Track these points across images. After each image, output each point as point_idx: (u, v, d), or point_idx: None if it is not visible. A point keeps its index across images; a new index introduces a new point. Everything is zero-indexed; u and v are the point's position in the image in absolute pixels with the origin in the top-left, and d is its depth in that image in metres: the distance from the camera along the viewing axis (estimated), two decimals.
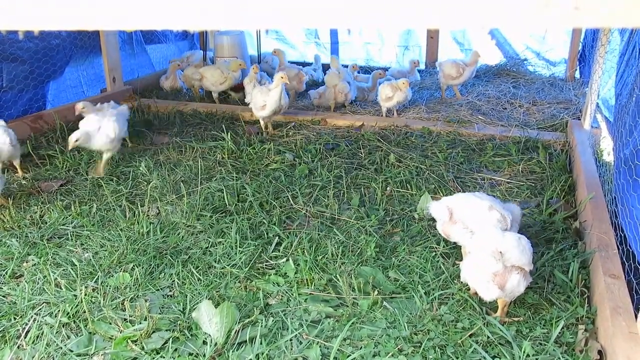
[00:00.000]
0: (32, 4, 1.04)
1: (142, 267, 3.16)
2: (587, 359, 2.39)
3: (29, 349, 2.54)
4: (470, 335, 2.54)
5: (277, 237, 3.47)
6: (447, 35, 8.64)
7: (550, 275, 2.99)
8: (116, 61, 6.73)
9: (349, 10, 0.97)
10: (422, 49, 8.71)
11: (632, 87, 3.61)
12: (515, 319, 2.68)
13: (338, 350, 2.46)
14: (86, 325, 2.70)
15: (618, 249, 3.02)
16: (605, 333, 2.44)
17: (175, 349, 2.52)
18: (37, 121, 5.50)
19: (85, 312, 2.77)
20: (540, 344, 2.51)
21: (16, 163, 4.50)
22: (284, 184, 4.24)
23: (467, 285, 2.86)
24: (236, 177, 4.35)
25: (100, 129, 4.42)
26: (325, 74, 7.63)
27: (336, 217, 3.76)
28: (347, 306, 2.81)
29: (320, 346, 2.49)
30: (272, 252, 3.33)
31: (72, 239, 3.51)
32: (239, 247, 3.35)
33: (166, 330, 2.64)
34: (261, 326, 2.62)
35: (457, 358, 2.41)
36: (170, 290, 3.01)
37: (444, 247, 3.31)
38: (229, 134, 5.08)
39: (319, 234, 3.51)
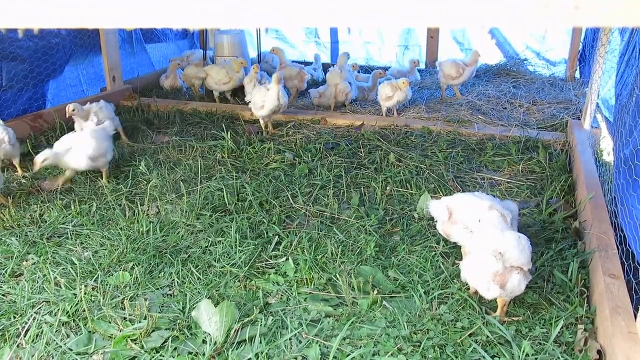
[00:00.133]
0: (32, 3, 1.04)
1: (142, 266, 3.16)
2: (587, 358, 2.39)
3: (29, 348, 2.55)
4: (470, 335, 2.54)
5: (276, 237, 3.47)
6: (447, 35, 8.64)
7: (550, 275, 2.99)
8: (116, 60, 6.73)
9: (349, 9, 0.97)
10: (422, 48, 8.71)
11: (632, 87, 3.61)
12: (515, 318, 2.68)
13: (337, 349, 2.46)
14: (86, 324, 2.70)
15: (618, 248, 3.02)
16: (604, 333, 2.44)
17: (175, 348, 2.52)
18: (36, 120, 5.50)
19: (84, 310, 2.77)
20: (540, 343, 2.51)
21: (15, 162, 4.50)
22: (284, 183, 4.24)
23: (466, 284, 2.86)
24: (236, 176, 4.35)
25: (71, 149, 4.14)
26: (325, 74, 7.66)
27: (336, 216, 3.76)
28: (347, 305, 2.81)
29: (319, 345, 2.49)
30: (272, 251, 3.33)
31: (71, 238, 3.51)
32: (239, 246, 3.35)
33: (166, 329, 2.64)
34: (261, 325, 2.62)
35: (457, 357, 2.42)
36: (170, 289, 3.01)
37: (443, 246, 3.31)
38: (228, 133, 5.08)
39: (318, 233, 3.51)
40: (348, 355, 2.42)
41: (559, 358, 2.41)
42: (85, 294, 2.90)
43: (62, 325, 2.71)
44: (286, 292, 2.95)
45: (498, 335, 2.54)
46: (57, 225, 3.66)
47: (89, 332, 2.65)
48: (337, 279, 3.00)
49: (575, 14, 0.91)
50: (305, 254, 3.23)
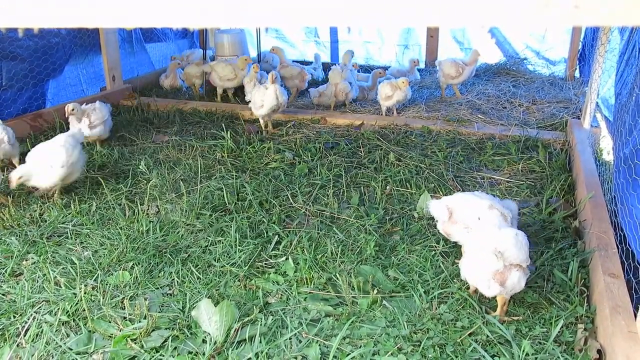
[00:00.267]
0: (32, 3, 1.04)
1: (142, 266, 3.16)
2: (587, 358, 2.39)
3: (29, 347, 2.54)
4: (470, 334, 2.54)
5: (276, 236, 3.47)
6: (447, 34, 8.64)
7: (550, 275, 2.99)
8: (116, 60, 6.73)
9: (349, 9, 0.97)
10: (422, 47, 8.72)
11: (632, 86, 3.61)
12: (515, 318, 2.68)
13: (337, 349, 2.46)
14: (86, 324, 2.70)
15: (617, 248, 3.02)
16: (604, 332, 2.44)
17: (175, 348, 2.52)
18: (36, 119, 5.50)
19: (84, 310, 2.77)
20: (540, 343, 2.51)
21: (15, 161, 4.50)
22: (284, 183, 4.24)
23: (466, 284, 2.86)
24: (236, 175, 4.35)
25: (39, 167, 3.86)
26: (325, 73, 7.67)
27: (336, 216, 3.76)
28: (347, 305, 2.81)
29: (319, 345, 2.49)
30: (272, 250, 3.33)
31: (71, 238, 3.51)
32: (239, 245, 3.35)
33: (166, 328, 2.64)
34: (261, 325, 2.62)
35: (457, 357, 2.42)
36: (170, 289, 3.01)
37: (443, 246, 3.32)
38: (228, 132, 5.08)
39: (318, 233, 3.51)
40: (348, 355, 2.42)
41: (559, 357, 2.41)
42: (85, 293, 2.90)
43: (62, 324, 2.71)
44: (286, 291, 2.95)
45: (498, 334, 2.54)
46: (57, 225, 3.66)
47: (89, 331, 2.65)
48: (337, 278, 3.00)
49: (575, 13, 0.91)
50: (305, 254, 3.23)
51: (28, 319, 2.73)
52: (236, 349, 2.50)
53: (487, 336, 2.53)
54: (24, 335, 2.64)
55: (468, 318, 2.66)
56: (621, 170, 3.30)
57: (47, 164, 3.86)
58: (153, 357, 2.47)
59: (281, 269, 3.14)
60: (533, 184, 4.23)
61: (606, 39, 4.82)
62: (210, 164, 4.65)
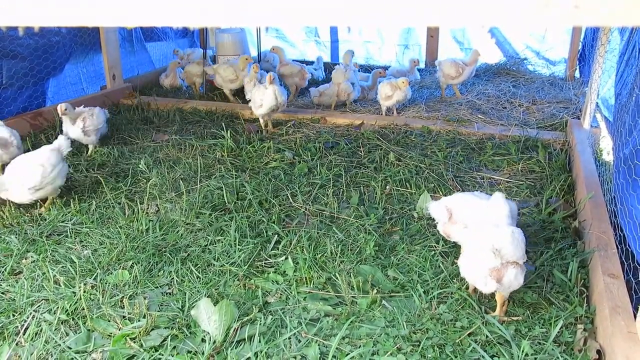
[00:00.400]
0: (32, 2, 1.04)
1: (141, 265, 3.16)
2: (586, 358, 2.40)
3: (28, 346, 2.55)
4: (469, 335, 2.55)
5: (276, 236, 3.47)
6: (447, 34, 8.64)
7: (550, 275, 2.99)
8: (116, 58, 6.73)
9: (349, 9, 0.96)
10: (422, 47, 8.71)
11: (632, 86, 3.61)
12: (514, 318, 2.68)
13: (337, 348, 2.46)
14: (85, 323, 2.70)
15: (617, 248, 3.02)
16: (604, 332, 2.44)
17: (174, 347, 2.52)
18: (36, 118, 5.50)
19: (84, 309, 2.77)
20: (539, 343, 2.51)
21: None
22: (284, 182, 4.24)
23: (466, 284, 2.86)
24: (236, 175, 4.35)
25: (11, 179, 3.68)
26: (326, 73, 7.68)
27: (335, 215, 3.76)
28: (346, 305, 2.81)
29: (319, 345, 2.49)
30: (271, 250, 3.33)
31: (71, 236, 3.51)
32: (238, 245, 3.35)
33: (165, 327, 2.64)
34: (260, 324, 2.62)
35: (456, 357, 2.42)
36: (169, 288, 3.01)
37: (443, 246, 3.32)
38: (228, 132, 5.08)
39: (318, 233, 3.51)
40: (347, 355, 2.42)
41: (558, 358, 2.41)
42: (84, 292, 2.90)
43: (61, 323, 2.71)
44: (285, 291, 2.95)
45: (497, 335, 2.54)
46: (57, 224, 3.66)
47: (88, 330, 2.65)
48: (337, 278, 3.00)
49: (575, 13, 0.91)
50: (304, 253, 3.23)
51: (27, 318, 2.74)
52: (235, 348, 2.50)
53: (487, 336, 2.53)
54: (23, 334, 2.64)
55: (467, 318, 2.66)
56: (621, 170, 3.30)
57: (20, 182, 3.66)
58: (152, 356, 2.47)
59: (281, 269, 3.14)
60: (533, 184, 4.23)
61: (606, 39, 4.82)
62: (210, 163, 4.65)
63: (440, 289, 2.91)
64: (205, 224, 3.63)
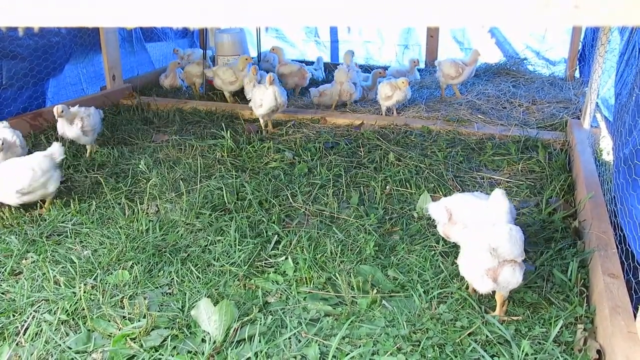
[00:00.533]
0: (32, 2, 1.04)
1: (141, 265, 3.16)
2: (586, 358, 2.40)
3: (28, 346, 2.55)
4: (469, 334, 2.55)
5: (276, 236, 3.47)
6: (447, 34, 8.64)
7: (550, 275, 2.99)
8: (116, 59, 6.73)
9: (349, 9, 0.97)
10: (422, 47, 8.71)
11: (632, 86, 3.61)
12: (514, 318, 2.68)
13: (337, 348, 2.46)
14: (85, 323, 2.70)
15: (617, 248, 3.02)
16: (604, 332, 2.44)
17: (174, 347, 2.52)
18: (36, 119, 5.50)
19: (84, 309, 2.77)
20: (539, 343, 2.51)
21: None
22: (284, 183, 4.24)
23: (466, 284, 2.86)
24: (235, 175, 4.35)
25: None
26: (326, 74, 7.68)
27: (335, 215, 3.76)
28: (346, 305, 2.81)
29: (319, 344, 2.49)
30: (271, 250, 3.33)
31: (71, 237, 3.51)
32: (238, 245, 3.35)
33: (165, 328, 2.64)
34: (260, 324, 2.62)
35: (456, 357, 2.42)
36: (169, 288, 3.01)
37: (443, 246, 3.32)
38: (228, 132, 5.08)
39: (318, 233, 3.51)
40: (347, 355, 2.42)
41: (558, 358, 2.41)
42: (84, 292, 2.90)
43: (62, 323, 2.71)
44: (285, 291, 2.95)
45: (497, 334, 2.54)
46: (57, 224, 3.66)
47: (88, 330, 2.65)
48: (337, 278, 3.00)
49: (575, 13, 0.91)
50: (304, 253, 3.23)
51: (27, 318, 2.74)
52: (235, 348, 2.50)
53: (487, 336, 2.53)
54: (23, 334, 2.64)
55: (467, 318, 2.66)
56: (621, 170, 3.30)
57: (8, 184, 3.65)
58: (152, 356, 2.47)
59: (281, 269, 3.14)
60: (533, 184, 4.23)
61: (606, 39, 4.82)
62: (210, 164, 4.65)
63: (440, 288, 2.91)
64: (205, 224, 3.63)
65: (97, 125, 4.92)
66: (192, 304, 2.80)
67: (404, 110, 6.08)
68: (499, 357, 2.42)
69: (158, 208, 3.91)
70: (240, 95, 6.63)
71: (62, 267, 3.17)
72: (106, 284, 3.01)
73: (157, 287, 3.00)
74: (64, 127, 4.71)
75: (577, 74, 7.38)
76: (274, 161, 4.68)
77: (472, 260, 2.62)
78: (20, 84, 5.59)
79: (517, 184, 4.24)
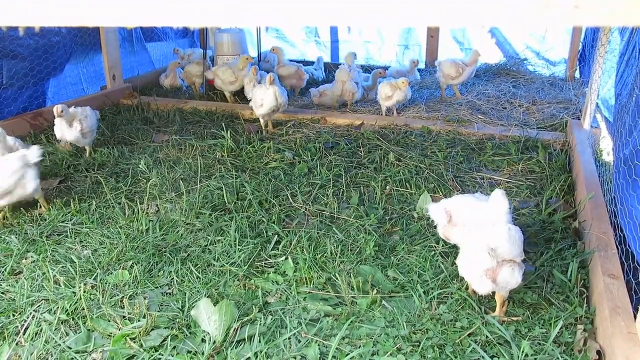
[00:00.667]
0: (33, 2, 1.04)
1: (141, 265, 3.16)
2: (586, 359, 2.39)
3: (28, 346, 2.55)
4: (469, 335, 2.54)
5: (276, 236, 3.47)
6: (447, 35, 8.64)
7: (549, 275, 2.99)
8: (116, 59, 6.73)
9: (349, 9, 0.96)
10: (422, 47, 8.72)
11: (632, 87, 3.61)
12: (514, 318, 2.68)
13: (337, 349, 2.46)
14: (85, 323, 2.70)
15: (617, 248, 3.02)
16: (604, 333, 2.44)
17: (174, 347, 2.52)
18: (36, 118, 5.50)
19: (84, 309, 2.77)
20: (539, 343, 2.51)
21: None
22: (284, 183, 4.24)
23: (466, 284, 2.86)
24: (236, 175, 4.35)
25: None
26: (326, 74, 7.68)
27: (335, 215, 3.76)
28: (346, 305, 2.81)
29: (318, 345, 2.49)
30: (271, 250, 3.33)
31: (71, 236, 3.51)
32: (238, 245, 3.35)
33: (165, 327, 2.64)
34: (260, 324, 2.62)
35: (456, 357, 2.42)
36: (169, 288, 3.01)
37: (443, 246, 3.31)
38: (228, 132, 5.08)
39: (318, 233, 3.51)
40: (347, 355, 2.42)
41: (558, 358, 2.41)
42: (84, 292, 2.90)
43: (61, 323, 2.71)
44: (285, 291, 2.95)
45: (497, 335, 2.54)
46: (57, 224, 3.66)
47: (88, 330, 2.65)
48: (337, 278, 3.00)
49: (575, 13, 0.91)
50: (304, 253, 3.23)
51: (27, 318, 2.74)
52: (235, 348, 2.50)
53: (487, 337, 2.53)
54: (23, 334, 2.64)
55: (467, 318, 2.66)
56: (621, 171, 3.30)
57: None
58: (152, 356, 2.47)
59: (280, 269, 3.14)
60: (533, 184, 4.23)
61: (606, 40, 4.82)
62: (210, 164, 4.65)
63: (440, 289, 2.91)
64: (205, 224, 3.63)
65: (95, 125, 4.90)
66: (192, 304, 2.80)
67: (404, 110, 6.08)
68: (498, 358, 2.42)
69: (158, 208, 3.91)
70: (240, 95, 6.63)
71: (62, 266, 3.17)
72: (106, 283, 3.01)
73: (157, 287, 3.00)
74: (62, 131, 4.66)
75: (577, 75, 7.39)
76: (274, 161, 4.68)
77: (471, 261, 2.62)
78: (20, 83, 5.59)
79: (517, 185, 4.23)
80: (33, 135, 5.28)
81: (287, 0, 0.97)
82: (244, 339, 2.56)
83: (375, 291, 2.87)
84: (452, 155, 4.75)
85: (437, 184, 4.21)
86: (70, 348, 2.54)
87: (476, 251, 2.57)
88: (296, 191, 4.09)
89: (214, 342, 2.52)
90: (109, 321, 2.71)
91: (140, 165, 4.51)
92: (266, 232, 3.52)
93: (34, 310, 2.79)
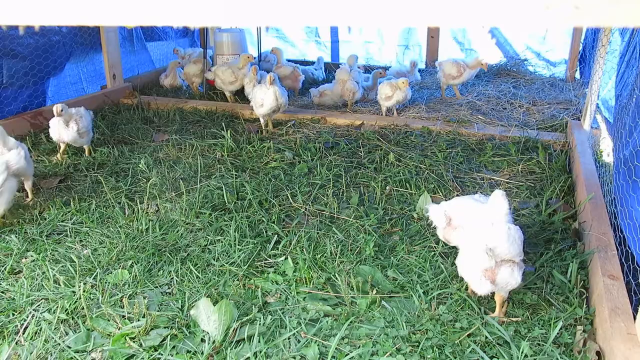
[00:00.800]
0: (33, 1, 1.04)
1: (141, 264, 3.16)
2: (585, 359, 2.39)
3: (27, 345, 2.54)
4: (469, 335, 2.54)
5: (276, 236, 3.47)
6: (448, 35, 8.64)
7: (549, 276, 2.99)
8: (116, 58, 6.73)
9: (349, 9, 0.96)
10: (423, 48, 8.72)
11: (632, 87, 3.61)
12: (514, 319, 2.68)
13: (336, 349, 2.46)
14: (84, 322, 2.70)
15: (617, 249, 3.02)
16: (603, 334, 2.44)
17: (174, 347, 2.52)
18: (36, 117, 5.51)
19: (83, 308, 2.77)
20: (539, 344, 2.51)
21: (28, 184, 4.11)
22: (284, 183, 4.24)
23: (465, 284, 2.86)
24: (235, 175, 4.35)
25: None
26: (326, 74, 7.69)
27: (335, 215, 3.76)
28: (346, 305, 2.81)
29: (318, 345, 2.49)
30: (271, 250, 3.33)
31: (71, 236, 3.51)
32: (238, 245, 3.35)
33: (164, 327, 2.64)
34: (259, 324, 2.62)
35: (455, 358, 2.41)
36: (169, 288, 3.01)
37: (442, 246, 3.31)
38: (228, 131, 5.08)
39: (318, 233, 3.51)
40: (347, 355, 2.42)
41: (557, 359, 2.41)
42: (84, 291, 2.90)
43: (61, 322, 2.71)
44: (285, 291, 2.94)
45: (497, 335, 2.54)
46: (57, 223, 3.66)
47: (88, 329, 2.65)
48: (336, 278, 3.00)
49: (575, 14, 0.91)
50: (304, 253, 3.23)
51: (27, 317, 2.73)
52: (235, 348, 2.50)
53: (486, 337, 2.53)
54: (23, 333, 2.64)
55: (467, 319, 2.66)
56: (621, 171, 3.30)
57: None
58: (151, 355, 2.47)
59: (280, 269, 3.14)
60: (533, 185, 4.23)
61: (607, 40, 4.82)
62: (210, 163, 4.65)
63: (440, 289, 2.90)
64: (205, 224, 3.63)
65: (90, 125, 4.88)
66: (192, 303, 2.80)
67: (404, 110, 6.08)
68: (498, 359, 2.42)
69: (158, 207, 3.91)
70: (240, 95, 6.63)
71: (62, 266, 3.17)
72: (106, 283, 3.01)
73: (157, 287, 3.00)
74: (60, 132, 4.63)
75: (577, 75, 7.39)
76: (274, 161, 4.68)
77: (469, 261, 2.62)
78: (20, 82, 5.59)
79: (517, 185, 4.23)
80: (33, 134, 5.28)
81: (287, 0, 0.97)
82: (244, 339, 2.55)
83: (374, 291, 2.87)
84: (452, 156, 4.75)
85: (437, 185, 4.21)
86: (69, 347, 2.54)
87: (475, 251, 2.56)
88: (296, 191, 4.09)
89: (214, 342, 2.52)
90: (109, 321, 2.71)
91: (140, 165, 4.51)
92: (266, 232, 3.52)
93: (33, 310, 2.79)
